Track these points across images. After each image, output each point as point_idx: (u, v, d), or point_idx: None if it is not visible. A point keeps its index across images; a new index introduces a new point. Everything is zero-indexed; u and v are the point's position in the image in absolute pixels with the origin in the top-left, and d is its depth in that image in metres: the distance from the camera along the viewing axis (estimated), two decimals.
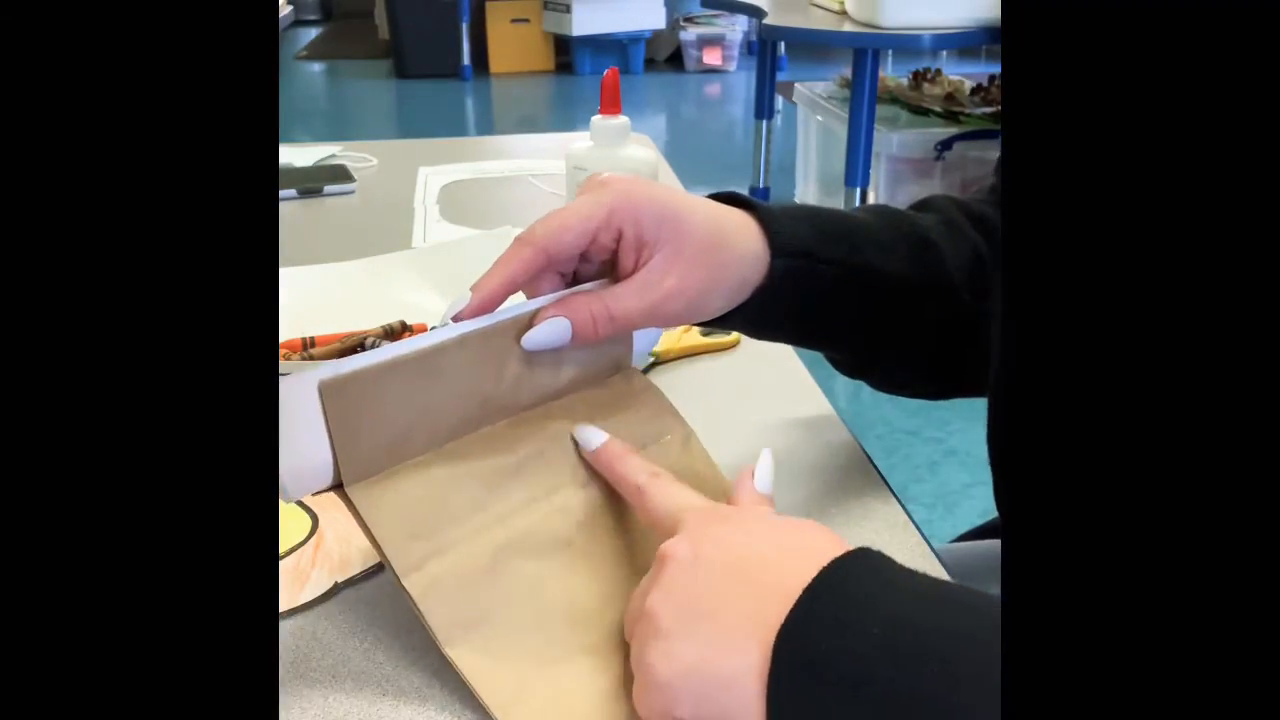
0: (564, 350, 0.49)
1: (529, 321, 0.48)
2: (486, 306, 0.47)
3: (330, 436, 0.43)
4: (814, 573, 0.38)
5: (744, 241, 0.52)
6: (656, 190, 0.49)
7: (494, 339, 0.47)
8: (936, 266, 0.58)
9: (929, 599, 0.38)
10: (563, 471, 0.49)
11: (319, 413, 0.42)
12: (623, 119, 0.80)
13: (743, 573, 0.40)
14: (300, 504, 0.57)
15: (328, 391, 0.42)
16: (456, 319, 0.47)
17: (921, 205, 0.64)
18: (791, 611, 0.37)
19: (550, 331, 0.48)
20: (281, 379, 0.41)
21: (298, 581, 0.52)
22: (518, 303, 0.49)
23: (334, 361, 0.43)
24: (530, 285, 0.50)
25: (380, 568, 0.52)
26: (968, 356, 0.61)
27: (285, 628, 0.49)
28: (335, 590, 0.51)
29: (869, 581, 0.38)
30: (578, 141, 0.82)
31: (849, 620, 0.36)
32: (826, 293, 0.55)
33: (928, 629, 0.36)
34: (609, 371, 0.53)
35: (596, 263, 0.51)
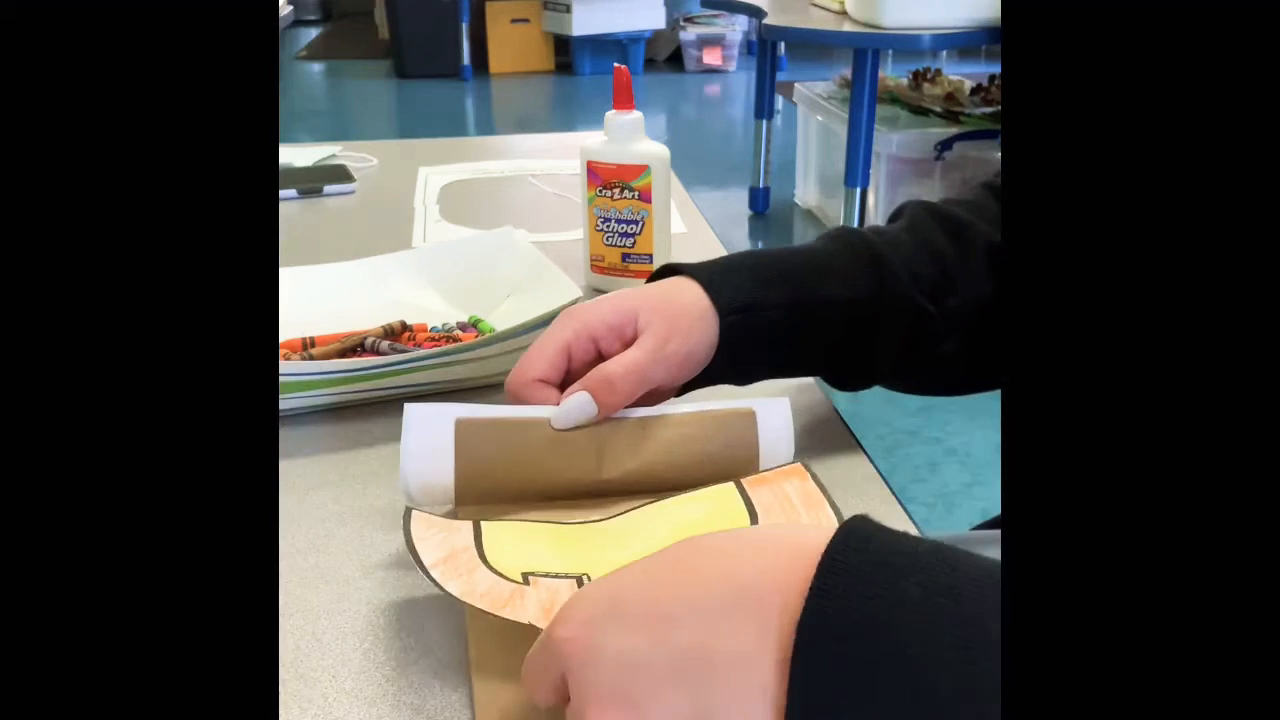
0: (670, 445, 0.53)
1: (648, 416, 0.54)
2: None
3: (455, 464, 0.50)
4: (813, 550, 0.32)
5: (695, 303, 0.57)
6: (603, 301, 0.57)
7: (603, 427, 0.52)
8: (891, 282, 0.60)
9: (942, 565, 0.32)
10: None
11: (451, 442, 0.50)
12: (636, 114, 0.81)
13: (708, 559, 0.35)
14: None
15: (461, 427, 0.50)
16: None
17: (895, 214, 0.67)
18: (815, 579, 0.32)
19: (572, 406, 0.52)
20: (423, 406, 0.50)
21: None
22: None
23: (473, 405, 0.51)
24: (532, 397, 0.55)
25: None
26: (932, 358, 0.63)
27: (285, 627, 0.49)
28: None
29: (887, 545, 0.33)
30: (590, 138, 0.82)
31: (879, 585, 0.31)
32: (775, 336, 0.59)
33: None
34: (733, 473, 0.53)
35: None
